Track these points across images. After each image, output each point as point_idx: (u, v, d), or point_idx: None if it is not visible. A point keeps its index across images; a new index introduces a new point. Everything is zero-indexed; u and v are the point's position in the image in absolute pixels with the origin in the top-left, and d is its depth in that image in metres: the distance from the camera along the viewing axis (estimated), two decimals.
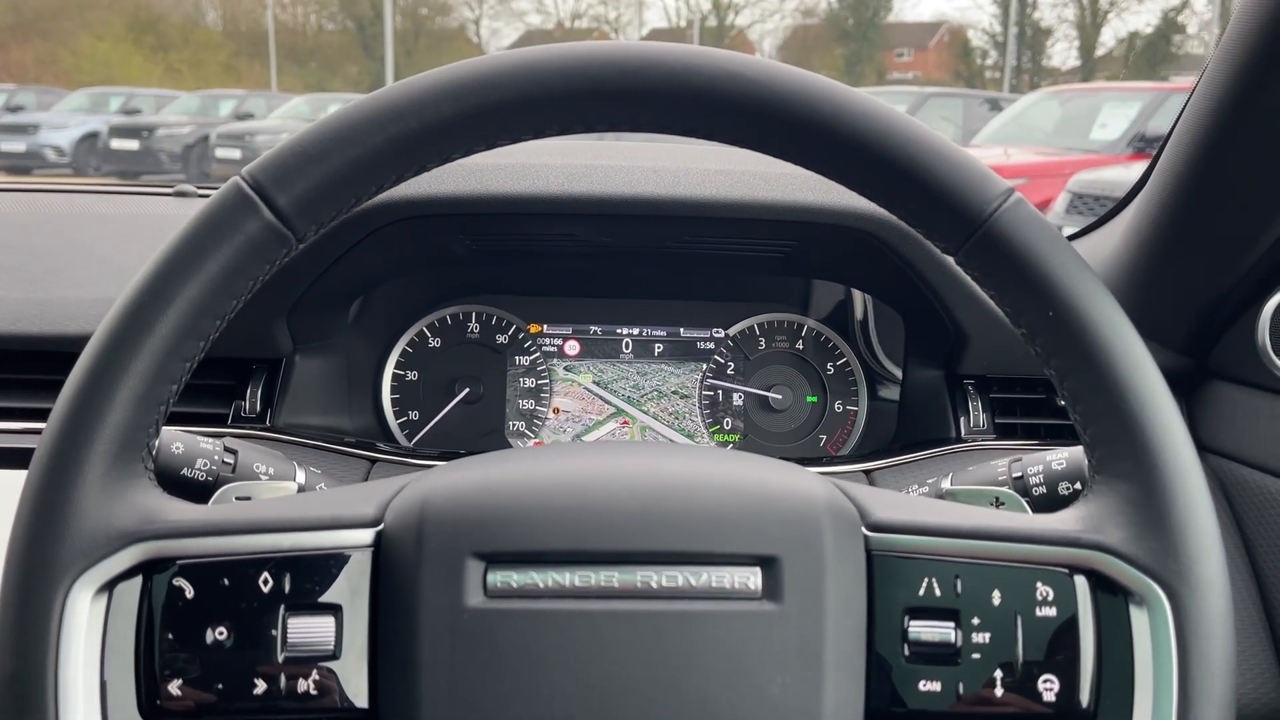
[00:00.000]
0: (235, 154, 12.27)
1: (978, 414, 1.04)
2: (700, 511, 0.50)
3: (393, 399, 1.18)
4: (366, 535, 0.50)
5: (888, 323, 1.21)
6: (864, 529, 0.51)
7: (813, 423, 1.20)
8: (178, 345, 0.50)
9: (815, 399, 1.20)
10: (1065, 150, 8.13)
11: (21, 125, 14.24)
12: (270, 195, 0.50)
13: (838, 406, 1.20)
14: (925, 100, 12.80)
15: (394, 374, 1.18)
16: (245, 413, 0.98)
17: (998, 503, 0.73)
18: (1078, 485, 0.74)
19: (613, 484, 0.50)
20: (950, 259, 0.56)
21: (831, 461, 1.03)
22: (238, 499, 0.71)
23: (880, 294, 1.14)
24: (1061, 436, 1.00)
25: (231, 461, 0.76)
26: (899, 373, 1.19)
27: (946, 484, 0.80)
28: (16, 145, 13.79)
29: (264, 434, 0.98)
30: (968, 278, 0.97)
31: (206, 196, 1.64)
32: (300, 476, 0.79)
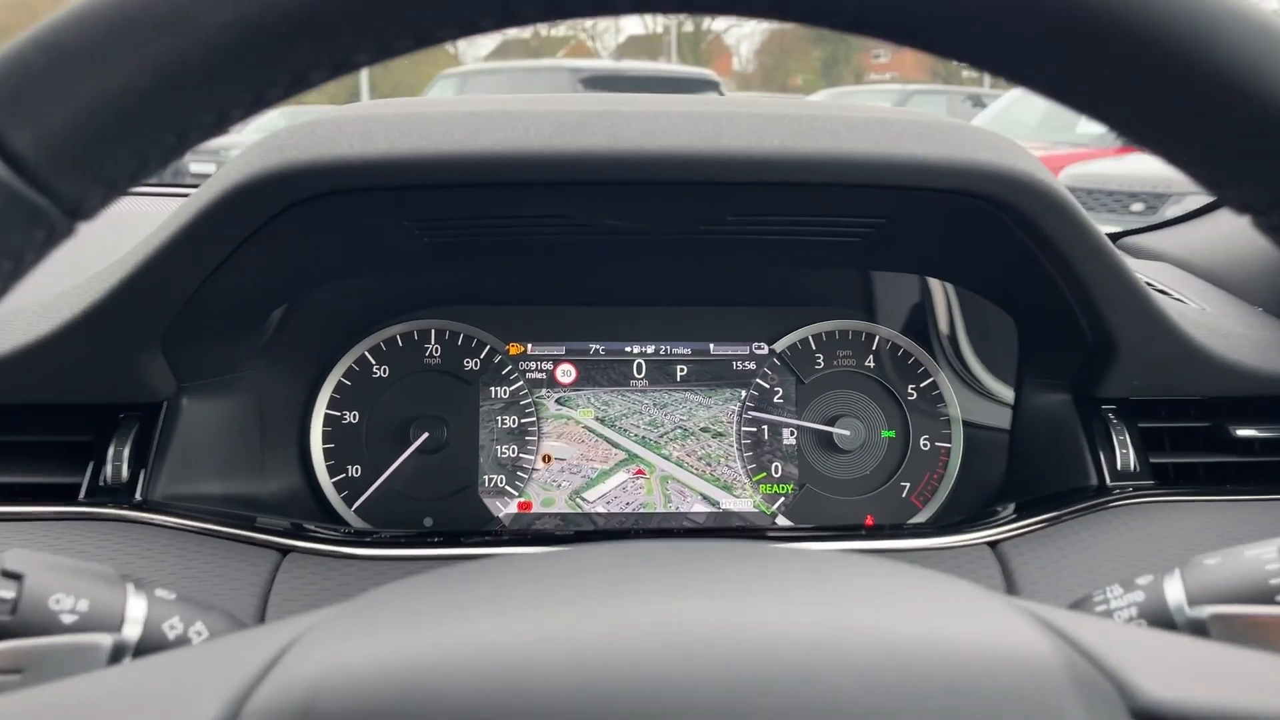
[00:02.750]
0: (209, 169, 12.06)
1: (1127, 452, 0.80)
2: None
3: (326, 450, 0.95)
4: None
5: (985, 329, 0.93)
6: None
7: (891, 466, 0.94)
8: None
9: (893, 434, 0.95)
10: (1053, 144, 8.17)
11: None
12: None
13: (924, 443, 0.94)
14: (909, 98, 12.83)
15: (326, 416, 0.95)
16: (107, 481, 0.74)
17: None
18: None
19: (668, 662, 0.30)
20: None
21: (930, 528, 0.75)
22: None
23: (989, 289, 0.86)
24: (1228, 480, 0.81)
25: (11, 597, 0.47)
26: (1009, 396, 0.93)
27: (1176, 592, 0.51)
28: None
29: (128, 514, 0.72)
30: (1126, 267, 0.69)
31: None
32: (135, 609, 0.50)
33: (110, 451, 0.75)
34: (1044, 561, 0.72)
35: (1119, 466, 0.80)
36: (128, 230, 0.70)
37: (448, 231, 0.77)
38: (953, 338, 0.99)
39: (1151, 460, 0.81)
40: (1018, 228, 0.70)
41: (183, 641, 0.51)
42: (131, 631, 0.50)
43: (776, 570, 0.39)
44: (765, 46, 38.13)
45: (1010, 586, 0.70)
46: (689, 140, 0.64)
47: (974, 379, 0.97)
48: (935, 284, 0.98)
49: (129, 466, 0.75)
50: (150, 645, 0.50)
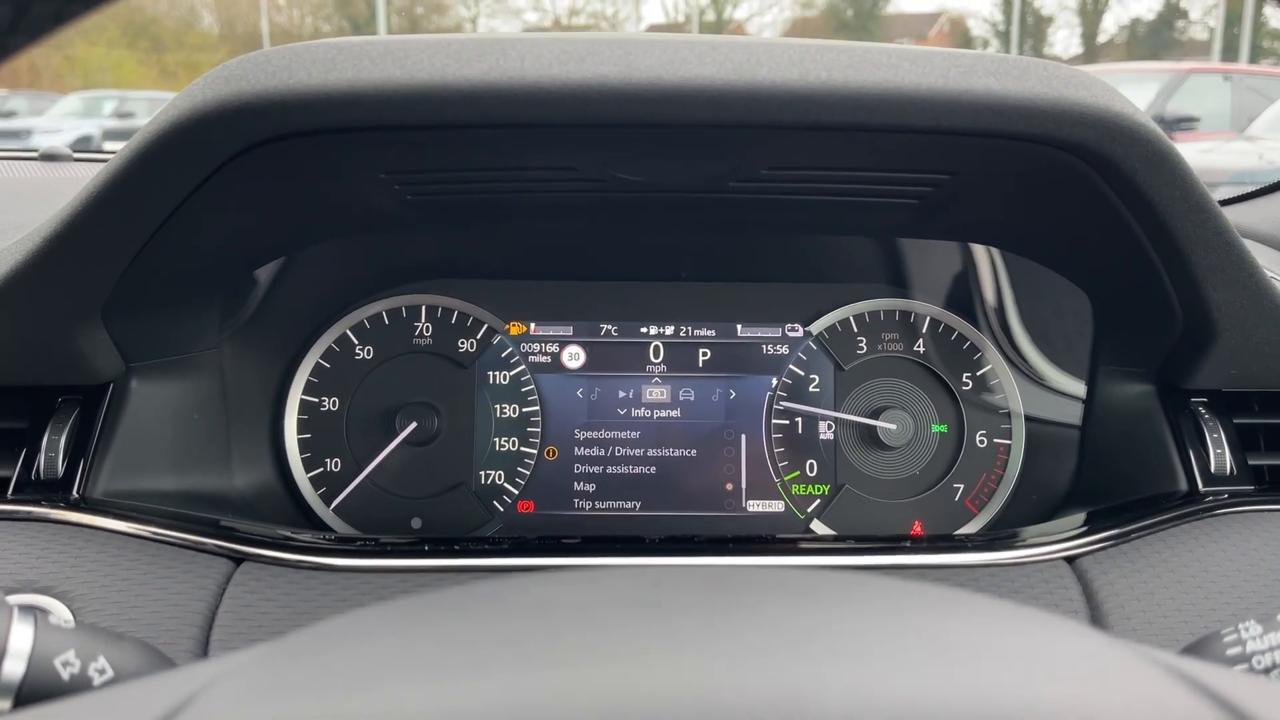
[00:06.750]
0: None
1: (1222, 452, 0.68)
2: None
3: (301, 441, 0.87)
4: None
5: (1046, 305, 0.82)
6: None
7: (942, 465, 0.83)
8: None
9: (945, 429, 0.83)
10: None
11: (14, 131, 14.32)
12: None
13: (980, 440, 0.83)
14: None
15: (302, 403, 0.87)
16: (40, 474, 0.67)
17: None
18: None
19: None
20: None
21: (992, 540, 0.64)
22: None
23: (1062, 261, 0.75)
24: None
25: None
26: (1068, 385, 0.85)
27: None
28: None
29: (58, 514, 0.63)
30: (1235, 234, 0.58)
31: (83, 161, 1.17)
32: (19, 640, 0.40)
33: (45, 440, 0.66)
34: (1133, 582, 0.61)
35: (1213, 469, 0.70)
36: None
37: (433, 187, 0.66)
38: (1001, 313, 0.87)
39: (1250, 462, 0.70)
40: (1108, 183, 0.59)
41: (80, 682, 0.41)
42: (13, 669, 0.40)
43: (834, 622, 0.29)
44: (788, 35, 37.89)
45: (1095, 613, 0.59)
46: (719, 71, 0.52)
47: (1025, 363, 0.86)
48: (979, 251, 0.86)
49: (66, 458, 0.66)
50: (37, 685, 0.40)
